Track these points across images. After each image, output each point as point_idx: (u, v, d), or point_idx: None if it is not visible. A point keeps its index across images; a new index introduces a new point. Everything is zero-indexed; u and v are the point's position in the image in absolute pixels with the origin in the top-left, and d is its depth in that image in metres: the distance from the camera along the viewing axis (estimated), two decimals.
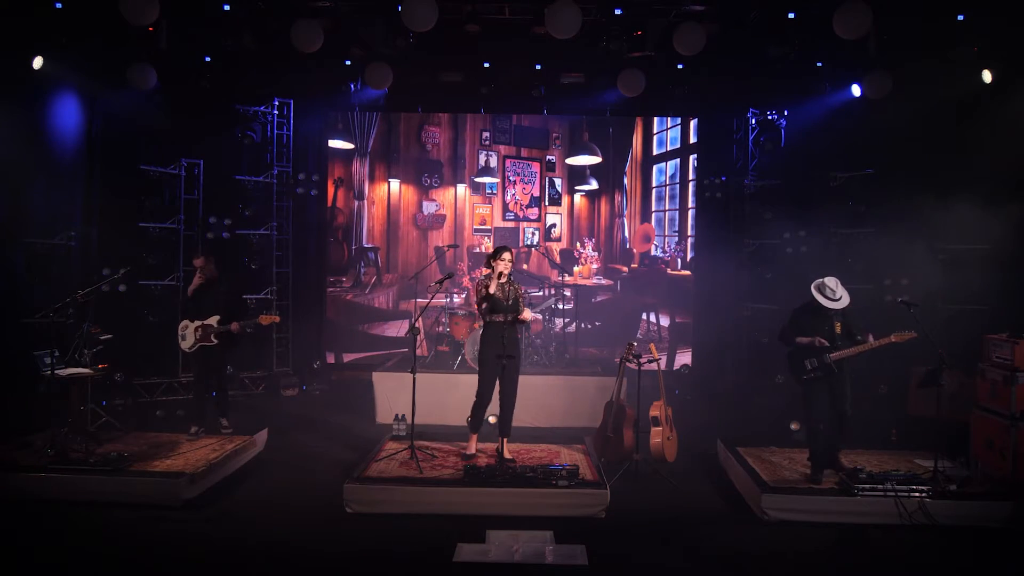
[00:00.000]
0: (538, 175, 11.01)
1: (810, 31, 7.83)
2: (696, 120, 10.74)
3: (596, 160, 10.88)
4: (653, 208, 11.00)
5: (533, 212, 11.01)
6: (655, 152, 11.00)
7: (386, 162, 10.92)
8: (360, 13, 7.92)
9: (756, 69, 8.79)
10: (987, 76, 7.52)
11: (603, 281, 10.94)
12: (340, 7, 7.79)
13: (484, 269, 6.65)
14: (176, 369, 9.29)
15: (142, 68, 8.05)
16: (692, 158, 10.85)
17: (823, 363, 5.82)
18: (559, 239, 11.01)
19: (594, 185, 10.93)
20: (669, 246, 10.96)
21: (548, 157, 10.99)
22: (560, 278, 10.21)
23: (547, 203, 11.01)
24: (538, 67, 9.38)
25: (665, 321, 10.85)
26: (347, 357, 10.86)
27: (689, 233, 10.86)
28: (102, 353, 7.35)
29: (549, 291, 10.17)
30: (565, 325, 10.31)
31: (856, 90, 8.60)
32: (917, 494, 5.43)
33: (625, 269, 10.93)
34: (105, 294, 7.88)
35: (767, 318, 9.44)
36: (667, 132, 10.97)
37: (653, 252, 10.94)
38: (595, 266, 10.96)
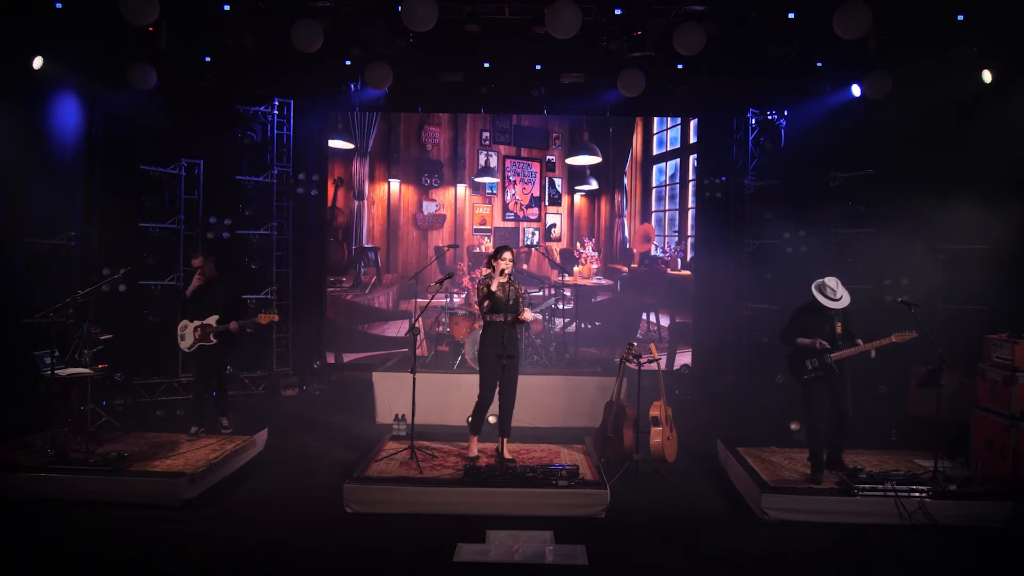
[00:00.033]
0: (538, 175, 11.01)
1: (810, 31, 7.83)
2: (696, 120, 10.74)
3: (596, 160, 10.88)
4: (653, 208, 11.00)
5: (533, 212, 11.01)
6: (655, 152, 11.00)
7: (386, 162, 10.92)
8: (360, 13, 7.92)
9: (756, 69, 8.79)
10: (987, 76, 7.52)
11: (603, 281, 10.94)
12: (340, 7, 7.79)
13: (484, 269, 6.65)
14: (176, 369, 9.29)
15: (142, 68, 8.05)
16: (692, 158, 10.85)
17: (824, 363, 5.82)
18: (559, 239, 11.01)
19: (594, 185, 10.93)
20: (669, 246, 10.96)
21: (548, 157, 11.00)
22: (560, 278, 10.21)
23: (547, 203, 11.02)
24: (538, 67, 9.38)
25: (665, 321, 10.85)
26: (347, 357, 10.86)
27: (689, 233, 10.86)
28: (102, 353, 7.35)
29: (549, 291, 10.17)
30: (565, 325, 10.32)
31: (856, 90, 8.60)
32: (917, 494, 5.43)
33: (625, 269, 10.93)
34: (105, 294, 7.89)
35: (767, 318, 9.45)
36: (667, 132, 10.97)
37: (653, 252, 10.94)
38: (595, 266, 10.96)
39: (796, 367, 5.99)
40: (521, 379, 6.59)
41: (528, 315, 6.29)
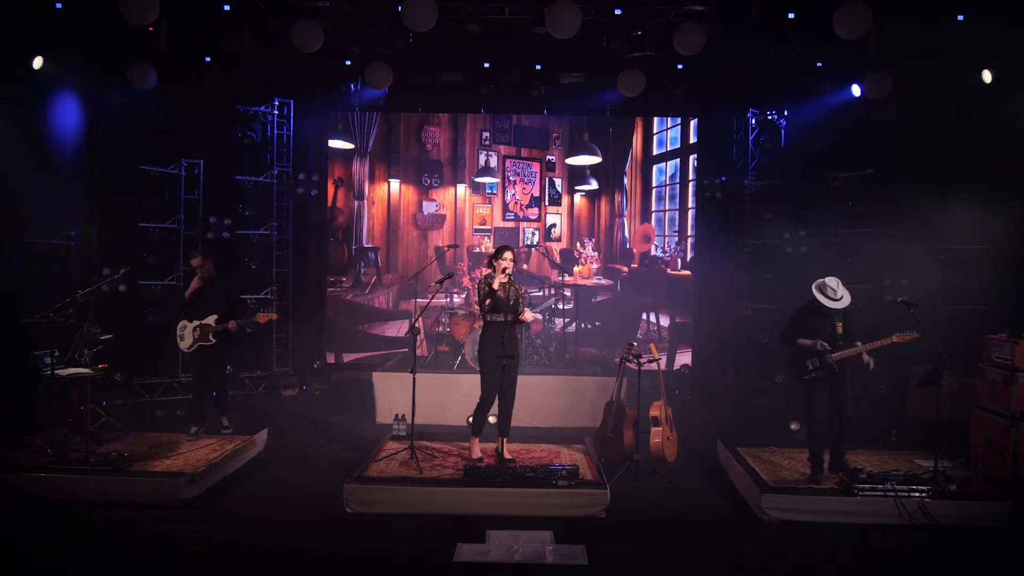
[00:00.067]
0: (538, 175, 11.01)
1: (810, 31, 7.83)
2: (696, 120, 10.74)
3: (596, 160, 10.88)
4: (653, 208, 11.00)
5: (533, 212, 11.01)
6: (655, 152, 11.00)
7: (386, 162, 10.92)
8: (360, 13, 7.92)
9: (756, 69, 8.79)
10: (987, 76, 7.52)
11: (603, 281, 10.94)
12: (340, 7, 7.79)
13: (484, 269, 6.65)
14: (176, 369, 9.29)
15: (142, 68, 8.05)
16: (692, 158, 10.85)
17: (825, 363, 5.82)
18: (559, 239, 11.01)
19: (594, 185, 10.93)
20: (669, 246, 10.96)
21: (548, 157, 11.00)
22: (560, 278, 10.21)
23: (547, 203, 11.02)
24: (538, 67, 9.38)
25: (665, 321, 10.85)
26: (347, 357, 10.86)
27: (689, 233, 10.86)
28: (102, 353, 7.35)
29: (549, 291, 10.17)
30: (565, 325, 10.32)
31: (856, 90, 8.60)
32: (917, 494, 5.43)
33: (625, 269, 10.93)
34: (105, 294, 7.88)
35: (767, 318, 9.45)
36: (667, 132, 10.97)
37: (653, 252, 10.94)
38: (595, 266, 10.96)
39: (797, 367, 5.99)
40: (521, 379, 6.59)
41: (528, 315, 6.28)
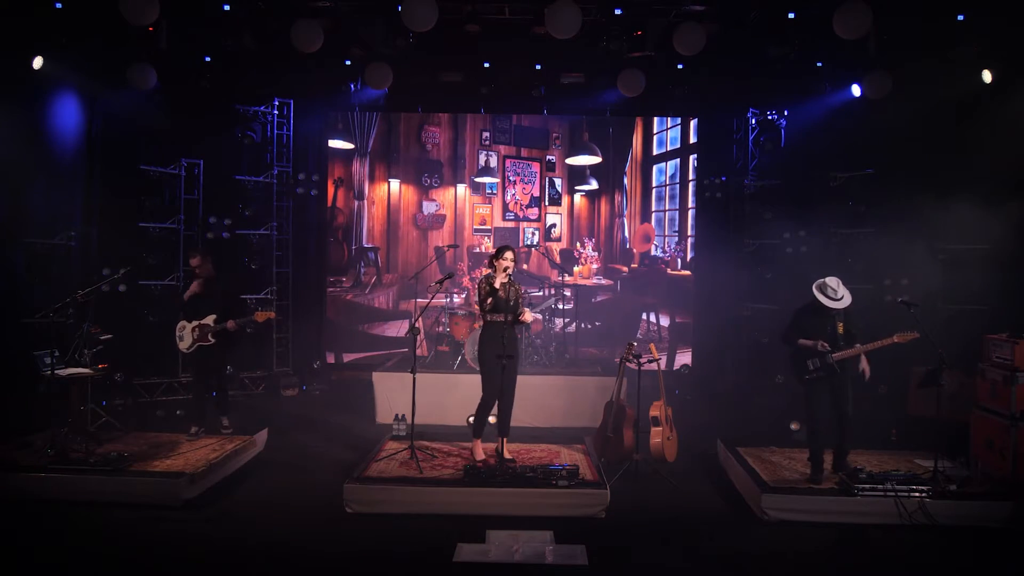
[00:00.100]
0: (538, 175, 11.01)
1: (810, 31, 7.83)
2: (696, 120, 10.74)
3: (596, 160, 10.88)
4: (653, 208, 11.00)
5: (533, 212, 11.01)
6: (655, 152, 11.00)
7: (386, 162, 10.92)
8: (360, 13, 7.92)
9: (756, 69, 8.79)
10: (987, 76, 7.52)
11: (603, 281, 10.94)
12: (340, 7, 7.79)
13: (484, 269, 6.65)
14: (176, 369, 9.29)
15: (142, 68, 8.05)
16: (692, 158, 10.85)
17: (826, 363, 5.82)
18: (559, 239, 11.01)
19: (594, 185, 10.93)
20: (669, 246, 10.96)
21: (548, 157, 11.00)
22: (560, 278, 10.21)
23: (547, 203, 11.01)
24: (538, 67, 9.38)
25: (665, 321, 10.85)
26: (347, 357, 10.86)
27: (689, 233, 10.86)
28: (102, 353, 7.35)
29: (549, 291, 10.17)
30: (565, 325, 10.32)
31: (856, 90, 8.60)
32: (917, 494, 5.43)
33: (625, 269, 10.93)
34: (105, 294, 7.89)
35: (767, 318, 9.45)
36: (667, 132, 10.97)
37: (653, 252, 10.94)
38: (595, 266, 10.96)
39: (798, 367, 5.99)
40: (521, 379, 6.59)
41: (528, 316, 6.28)
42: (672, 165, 10.98)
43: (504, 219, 10.99)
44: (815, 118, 9.35)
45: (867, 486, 5.48)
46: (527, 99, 10.11)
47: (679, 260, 10.88)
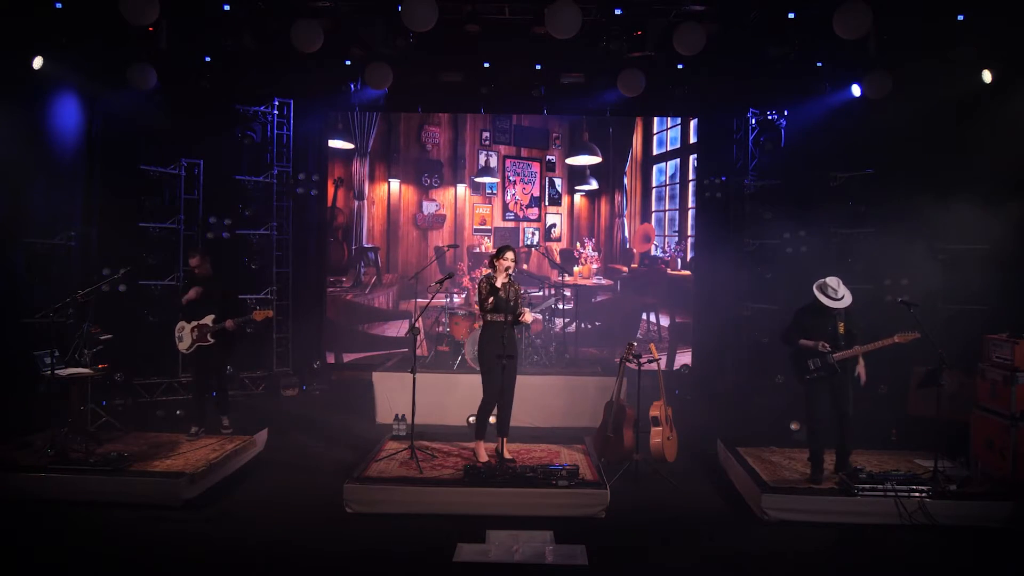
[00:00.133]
0: (538, 175, 11.01)
1: (810, 31, 7.83)
2: (696, 120, 10.74)
3: (596, 160, 10.88)
4: (653, 208, 11.00)
5: (533, 212, 11.01)
6: (655, 152, 11.00)
7: (386, 162, 10.92)
8: (360, 13, 7.92)
9: (756, 69, 8.79)
10: (987, 76, 7.52)
11: (603, 281, 10.94)
12: (340, 7, 7.79)
13: (484, 269, 6.65)
14: (176, 369, 9.29)
15: (142, 68, 8.05)
16: (692, 158, 10.85)
17: (826, 363, 5.82)
18: (559, 239, 11.01)
19: (594, 185, 10.93)
20: (669, 246, 10.96)
21: (548, 157, 11.00)
22: (560, 278, 10.21)
23: (547, 203, 11.01)
24: (538, 67, 9.38)
25: (665, 321, 10.85)
26: (347, 357, 10.86)
27: (689, 233, 10.86)
28: (102, 353, 7.35)
29: (549, 291, 10.17)
30: (565, 325, 10.32)
31: (856, 90, 8.60)
32: (917, 494, 5.43)
33: (625, 269, 10.93)
34: (105, 294, 7.88)
35: (767, 318, 9.46)
36: (667, 132, 10.97)
37: (653, 252, 10.94)
38: (595, 266, 10.96)
39: (798, 367, 5.99)
40: (521, 379, 6.59)
41: (528, 316, 6.27)
42: (672, 165, 10.98)
43: (504, 219, 10.99)
44: (815, 118, 9.36)
45: (867, 486, 5.48)
46: (527, 99, 10.11)
47: (679, 260, 10.88)
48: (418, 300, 9.23)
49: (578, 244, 10.99)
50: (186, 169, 9.43)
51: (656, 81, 8.98)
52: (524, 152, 11.00)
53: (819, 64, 8.82)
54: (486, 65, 9.27)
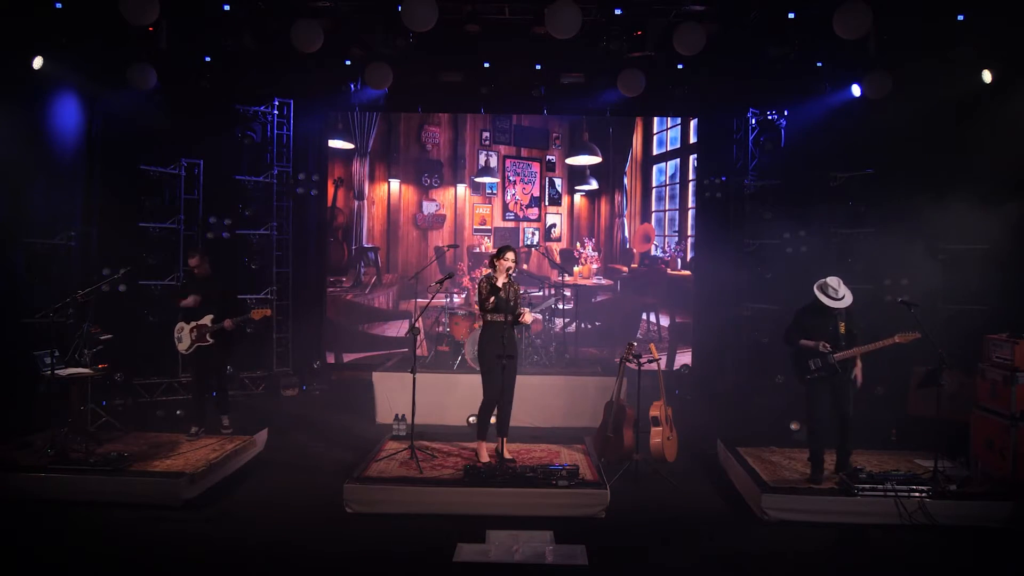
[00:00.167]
0: (538, 175, 11.01)
1: (810, 31, 7.83)
2: (696, 120, 10.74)
3: (596, 160, 10.88)
4: (653, 208, 11.00)
5: (533, 212, 11.01)
6: (655, 152, 11.00)
7: (386, 162, 10.92)
8: (360, 13, 7.92)
9: (756, 69, 8.79)
10: (987, 76, 7.52)
11: (603, 281, 10.94)
12: (340, 7, 7.79)
13: (484, 269, 6.64)
14: (176, 369, 9.29)
15: (142, 68, 8.05)
16: (692, 158, 10.85)
17: (827, 363, 5.82)
18: (559, 239, 11.01)
19: (594, 185, 10.93)
20: (669, 246, 10.96)
21: (548, 157, 10.99)
22: (560, 278, 10.21)
23: (547, 203, 11.01)
24: (538, 67, 9.38)
25: (665, 321, 10.85)
26: (347, 357, 10.86)
27: (689, 233, 10.86)
28: (102, 353, 7.35)
29: (549, 291, 10.17)
30: (565, 325, 10.32)
31: (856, 90, 8.60)
32: (917, 494, 5.43)
33: (625, 269, 10.93)
34: (105, 294, 7.88)
35: (767, 318, 9.46)
36: (667, 132, 10.97)
37: (653, 252, 10.94)
38: (595, 266, 10.96)
39: (799, 367, 5.99)
40: (521, 379, 6.58)
41: (528, 317, 6.27)
42: (672, 165, 10.98)
43: (504, 219, 10.99)
44: (815, 118, 9.35)
45: (867, 486, 5.48)
46: (527, 99, 10.11)
47: (679, 260, 10.88)
48: (418, 300, 9.23)
49: (578, 244, 10.99)
50: (186, 169, 9.43)
51: (656, 81, 8.98)
52: (524, 152, 11.00)
53: (819, 64, 8.82)
54: (486, 65, 9.27)
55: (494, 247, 10.05)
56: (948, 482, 5.57)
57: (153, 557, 4.81)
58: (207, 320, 6.90)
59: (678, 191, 10.96)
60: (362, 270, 10.94)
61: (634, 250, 10.93)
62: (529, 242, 10.96)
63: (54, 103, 8.24)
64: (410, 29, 7.56)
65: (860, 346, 5.82)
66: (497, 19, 8.11)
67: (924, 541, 5.22)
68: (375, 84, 8.82)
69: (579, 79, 9.79)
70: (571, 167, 10.96)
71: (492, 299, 6.15)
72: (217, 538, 5.15)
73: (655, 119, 10.93)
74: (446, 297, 10.51)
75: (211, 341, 6.91)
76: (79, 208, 8.72)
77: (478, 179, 10.94)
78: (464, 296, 10.73)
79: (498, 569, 4.69)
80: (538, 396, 8.11)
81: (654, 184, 11.00)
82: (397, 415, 7.28)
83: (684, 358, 10.73)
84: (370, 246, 10.95)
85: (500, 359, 6.06)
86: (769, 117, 9.97)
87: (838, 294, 5.81)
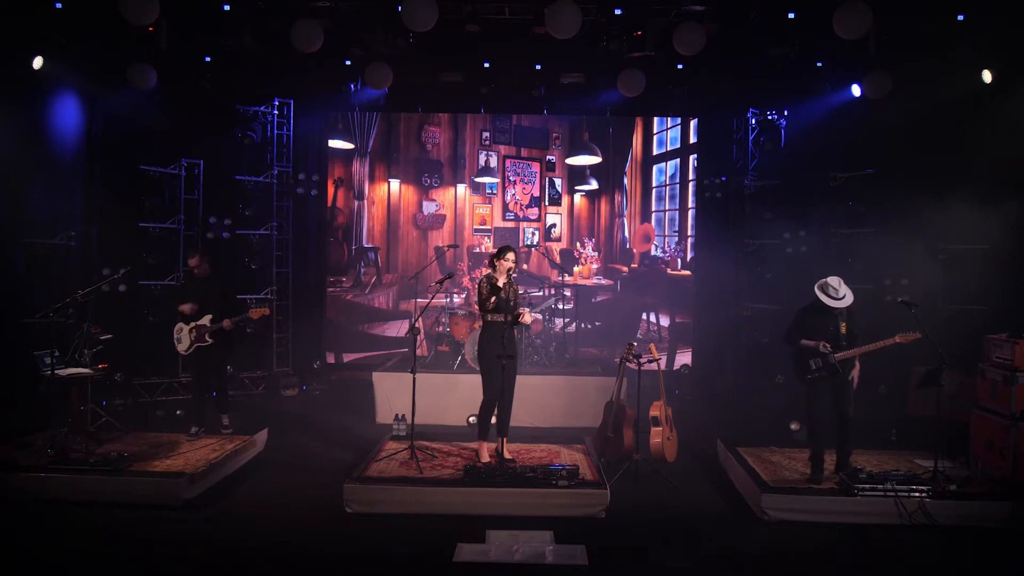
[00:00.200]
0: (538, 175, 11.01)
1: (810, 31, 7.83)
2: (696, 120, 10.74)
3: (596, 160, 10.88)
4: (653, 208, 11.00)
5: (533, 212, 11.01)
6: (655, 152, 11.00)
7: (386, 162, 10.92)
8: (360, 13, 7.92)
9: (756, 69, 8.79)
10: (987, 76, 7.51)
11: (603, 281, 10.94)
12: (340, 7, 7.79)
13: (484, 269, 6.64)
14: (176, 369, 9.29)
15: (142, 68, 8.05)
16: (692, 158, 10.85)
17: (828, 363, 5.82)
18: (559, 239, 11.01)
19: (594, 185, 10.93)
20: (669, 246, 10.96)
21: (548, 157, 11.00)
22: (560, 278, 10.21)
23: (547, 203, 11.02)
24: (538, 67, 9.38)
25: (665, 321, 10.85)
26: (347, 357, 10.86)
27: (689, 233, 10.86)
28: (102, 353, 7.35)
29: (549, 291, 10.17)
30: (565, 325, 10.32)
31: (856, 90, 8.60)
32: (917, 494, 5.43)
33: (625, 269, 10.93)
34: (105, 294, 7.88)
35: (767, 318, 9.46)
36: (667, 132, 10.97)
37: (653, 252, 10.94)
38: (595, 266, 10.96)
39: (799, 366, 5.98)
40: (521, 379, 6.58)
41: (528, 317, 6.27)
42: (672, 165, 10.98)
43: (504, 219, 10.99)
44: (815, 118, 9.36)
45: (867, 486, 5.48)
46: (527, 99, 10.11)
47: (679, 260, 10.88)
48: (418, 300, 9.23)
49: (578, 244, 10.99)
50: (186, 169, 9.43)
51: (656, 81, 8.98)
52: (524, 152, 11.00)
53: (819, 64, 8.82)
54: (486, 65, 9.27)
55: (494, 247, 10.05)
56: (948, 482, 5.57)
57: (153, 557, 4.81)
58: (206, 320, 6.90)
59: (678, 191, 10.96)
60: (362, 270, 10.94)
61: (634, 250, 10.93)
62: (529, 242, 10.96)
63: (54, 103, 8.25)
64: (410, 29, 7.56)
65: (861, 346, 5.83)
66: (497, 19, 8.11)
67: (924, 541, 5.22)
68: (375, 84, 8.82)
69: (579, 79, 9.79)
70: (571, 167, 10.96)
71: (492, 299, 6.14)
72: (217, 538, 5.15)
73: (655, 119, 10.93)
74: (446, 297, 10.51)
75: (210, 341, 6.90)
76: (79, 208, 8.72)
77: (478, 179, 10.94)
78: (464, 296, 10.73)
79: (498, 569, 4.69)
80: (538, 396, 8.11)
81: (654, 184, 11.00)
82: (397, 415, 7.28)
83: (684, 358, 10.73)
84: (370, 246, 10.95)
85: (500, 359, 6.05)
86: (769, 117, 9.97)
87: (839, 294, 5.80)
